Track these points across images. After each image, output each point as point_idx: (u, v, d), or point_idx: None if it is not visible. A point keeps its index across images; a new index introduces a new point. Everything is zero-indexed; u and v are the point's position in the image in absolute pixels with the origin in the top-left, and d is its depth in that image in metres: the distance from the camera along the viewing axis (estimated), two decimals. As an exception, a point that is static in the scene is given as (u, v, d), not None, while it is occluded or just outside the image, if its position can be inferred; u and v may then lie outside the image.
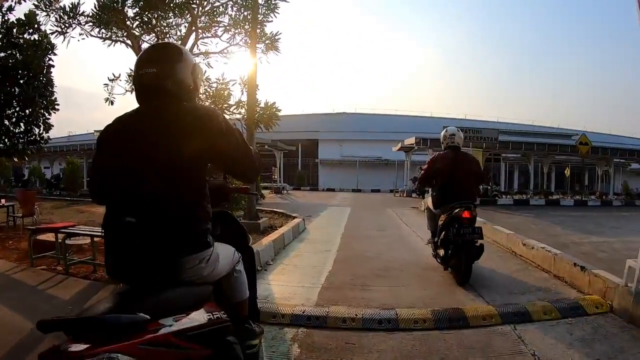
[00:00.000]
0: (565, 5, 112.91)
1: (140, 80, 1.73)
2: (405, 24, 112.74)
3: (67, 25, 6.62)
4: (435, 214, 5.28)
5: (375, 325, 3.34)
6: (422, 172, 5.65)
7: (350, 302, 3.94)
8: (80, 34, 6.71)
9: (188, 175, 1.65)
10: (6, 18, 8.20)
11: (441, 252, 5.03)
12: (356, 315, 3.44)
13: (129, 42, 6.79)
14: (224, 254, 1.90)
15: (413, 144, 21.05)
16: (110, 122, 1.77)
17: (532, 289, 4.60)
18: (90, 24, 6.51)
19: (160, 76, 1.69)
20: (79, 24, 6.60)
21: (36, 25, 7.98)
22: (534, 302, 4.01)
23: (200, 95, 7.09)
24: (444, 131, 5.50)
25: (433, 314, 3.56)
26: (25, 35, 8.10)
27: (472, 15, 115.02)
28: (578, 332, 3.37)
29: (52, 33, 7.20)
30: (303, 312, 3.48)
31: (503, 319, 3.59)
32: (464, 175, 5.02)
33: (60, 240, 5.24)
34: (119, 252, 1.62)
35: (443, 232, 4.90)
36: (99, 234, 4.90)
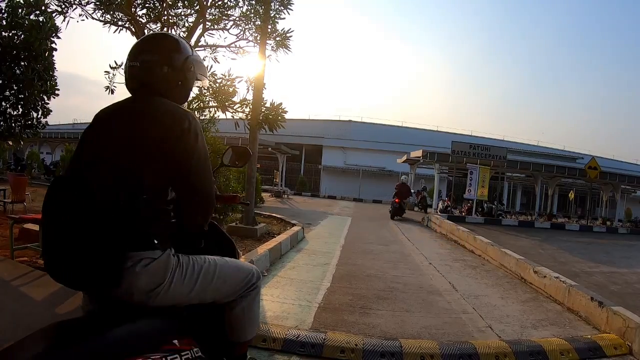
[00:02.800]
0: (575, 28, 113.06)
1: (126, 75, 1.57)
2: (413, 37, 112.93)
3: (68, 4, 6.30)
4: (393, 202, 15.81)
5: (378, 359, 2.99)
6: (396, 189, 16.05)
7: (349, 327, 3.58)
8: (80, 15, 6.41)
9: (141, 174, 1.35)
10: (12, -3, 7.94)
11: (389, 212, 15.89)
12: (356, 345, 3.08)
13: (133, 28, 6.49)
14: (220, 271, 1.53)
15: (419, 157, 20.68)
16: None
17: (544, 322, 4.31)
18: (92, 5, 6.20)
19: (142, 70, 1.52)
20: (80, 4, 6.28)
21: (43, 7, 7.71)
22: (549, 339, 3.70)
23: (204, 91, 6.76)
24: (402, 177, 18.17)
25: (441, 348, 3.21)
26: (30, 17, 7.84)
27: (481, 33, 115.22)
28: (598, 377, 3.08)
29: (52, 12, 6.91)
30: (297, 338, 3.11)
31: (518, 358, 3.29)
32: (404, 192, 16.15)
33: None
34: (51, 243, 1.28)
35: (391, 206, 15.95)
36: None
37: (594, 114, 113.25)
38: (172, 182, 1.41)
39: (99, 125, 1.47)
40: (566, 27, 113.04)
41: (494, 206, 18.34)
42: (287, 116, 7.26)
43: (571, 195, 23.55)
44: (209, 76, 7.04)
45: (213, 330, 1.61)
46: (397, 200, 15.53)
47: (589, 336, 3.84)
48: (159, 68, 1.50)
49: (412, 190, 24.16)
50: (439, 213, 16.64)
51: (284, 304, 4.14)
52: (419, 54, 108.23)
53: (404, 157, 24.06)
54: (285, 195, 24.48)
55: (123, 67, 5.63)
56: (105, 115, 1.49)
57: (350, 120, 41.66)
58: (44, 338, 1.10)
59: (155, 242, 1.35)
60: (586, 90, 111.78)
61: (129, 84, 1.55)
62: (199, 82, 1.67)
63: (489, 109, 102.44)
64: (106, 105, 1.57)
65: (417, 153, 20.98)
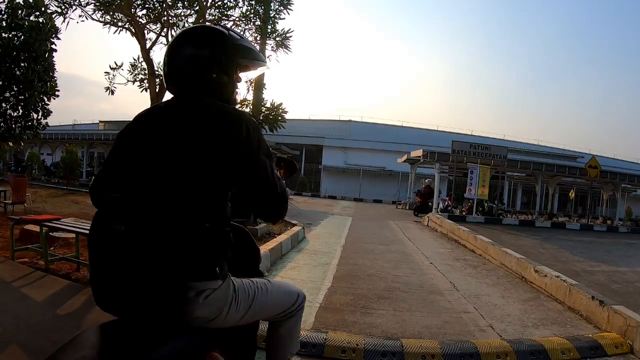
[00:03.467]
0: (574, 27, 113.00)
1: (163, 71, 1.45)
2: (413, 36, 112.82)
3: (67, 5, 6.30)
4: (416, 201, 19.41)
5: (379, 358, 2.98)
6: (424, 190, 18.70)
7: (350, 327, 3.58)
8: (80, 16, 6.41)
9: (196, 187, 1.25)
10: (12, -2, 7.97)
11: (413, 210, 18.86)
12: (357, 345, 3.07)
13: (132, 29, 6.48)
14: (269, 298, 1.48)
15: (420, 157, 20.67)
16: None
17: (545, 321, 4.30)
18: (92, 6, 6.20)
19: (170, 71, 1.40)
20: (80, 4, 6.28)
21: (43, 8, 7.73)
22: (551, 338, 3.70)
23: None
24: (427, 180, 19.98)
25: (442, 347, 3.20)
26: (30, 18, 7.86)
27: (480, 33, 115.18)
28: (599, 376, 3.08)
29: (52, 13, 6.92)
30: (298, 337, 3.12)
31: (519, 357, 3.29)
32: (427, 193, 18.26)
33: (43, 234, 4.91)
34: (104, 274, 1.23)
35: (415, 205, 19.02)
36: (85, 230, 4.60)
37: (594, 112, 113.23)
38: (239, 195, 1.34)
39: (141, 132, 1.35)
40: (565, 26, 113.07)
41: (494, 205, 18.35)
42: (287, 116, 7.25)
43: (571, 194, 23.55)
44: None
45: (243, 343, 1.59)
46: (419, 199, 18.73)
47: (590, 335, 3.83)
48: (185, 64, 1.37)
49: (413, 190, 24.29)
50: (440, 213, 16.62)
51: (284, 304, 4.14)
52: (418, 53, 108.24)
53: (404, 157, 24.03)
54: (286, 196, 24.47)
55: (124, 67, 5.62)
56: (148, 122, 1.37)
57: (350, 120, 41.65)
58: (91, 342, 1.09)
59: (217, 270, 1.29)
60: (586, 89, 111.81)
61: (167, 88, 1.47)
62: (247, 68, 1.52)
63: (489, 108, 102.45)
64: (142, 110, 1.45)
65: (417, 153, 20.96)
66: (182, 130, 1.28)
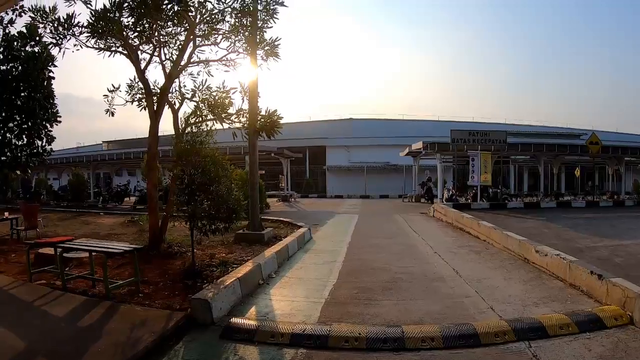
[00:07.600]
0: (574, 4, 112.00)
1: None
2: (413, 20, 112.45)
3: (62, 36, 6.52)
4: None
5: (380, 345, 3.15)
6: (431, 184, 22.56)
7: (354, 318, 3.75)
8: (75, 45, 6.62)
9: None
10: (7, 31, 8.24)
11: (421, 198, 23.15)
12: (360, 334, 3.25)
13: (126, 51, 6.68)
14: None
15: (420, 149, 20.73)
16: None
17: (546, 299, 4.42)
18: (86, 34, 6.40)
19: None
20: (74, 35, 6.49)
21: (37, 38, 7.97)
22: (549, 315, 3.83)
23: (200, 104, 6.92)
24: (427, 177, 23.00)
25: (442, 330, 3.36)
26: (26, 48, 8.10)
27: (479, 17, 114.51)
28: (597, 347, 3.22)
29: (47, 45, 7.16)
30: (303, 331, 3.29)
31: (517, 335, 3.42)
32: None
33: (58, 255, 5.13)
34: None
35: (424, 193, 22.95)
36: (97, 248, 4.81)
37: (598, 86, 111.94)
38: None
39: None
40: (563, 6, 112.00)
41: (498, 191, 18.36)
42: (288, 120, 7.40)
43: (577, 172, 23.47)
44: (204, 90, 7.22)
45: None
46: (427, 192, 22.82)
47: (589, 309, 3.92)
48: None
49: (418, 183, 24.38)
50: (445, 202, 16.67)
51: (292, 302, 4.32)
52: (419, 37, 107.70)
53: (406, 150, 24.09)
54: (293, 199, 24.56)
55: (121, 89, 5.79)
56: None
57: (351, 118, 41.75)
58: None
59: None
60: (588, 64, 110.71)
61: None
62: None
63: (491, 94, 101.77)
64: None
65: (417, 145, 21.00)
66: None
